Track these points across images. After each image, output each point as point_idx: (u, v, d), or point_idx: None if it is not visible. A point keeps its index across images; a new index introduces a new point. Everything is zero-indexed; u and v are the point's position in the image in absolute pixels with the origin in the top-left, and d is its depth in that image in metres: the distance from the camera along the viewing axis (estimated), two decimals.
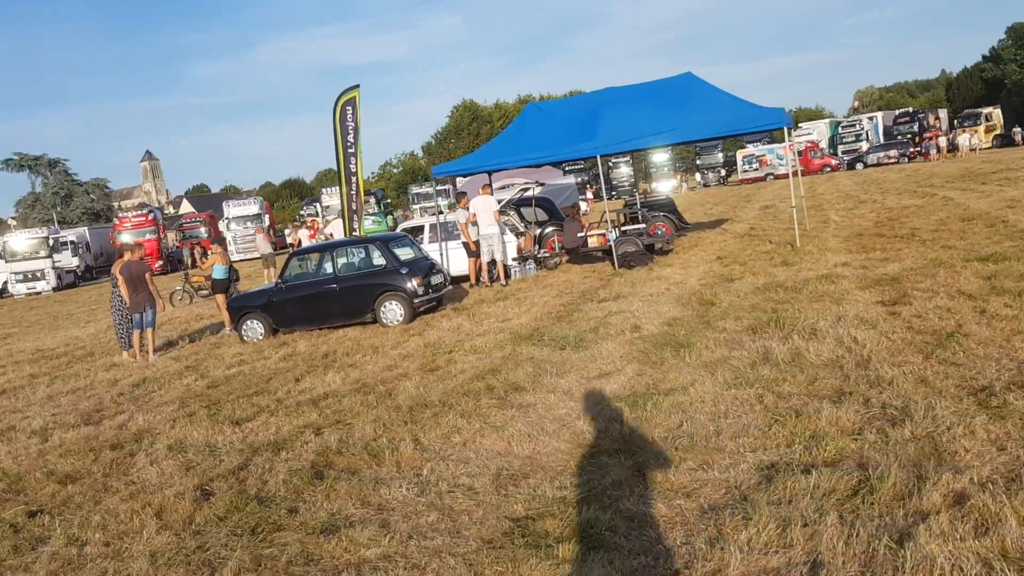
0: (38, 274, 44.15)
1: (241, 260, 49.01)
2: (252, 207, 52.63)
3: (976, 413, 5.24)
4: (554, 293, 14.74)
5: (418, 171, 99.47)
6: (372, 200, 59.38)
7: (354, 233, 18.52)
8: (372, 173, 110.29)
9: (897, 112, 73.89)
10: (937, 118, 71.09)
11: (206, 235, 56.92)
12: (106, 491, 6.57)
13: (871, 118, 71.38)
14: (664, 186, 65.24)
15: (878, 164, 60.20)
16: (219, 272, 16.90)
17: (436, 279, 14.36)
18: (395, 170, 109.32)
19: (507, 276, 17.32)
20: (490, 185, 17.66)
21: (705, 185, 70.98)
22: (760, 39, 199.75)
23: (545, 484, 5.30)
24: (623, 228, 18.18)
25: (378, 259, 14.01)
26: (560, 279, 16.86)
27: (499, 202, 18.09)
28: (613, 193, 61.97)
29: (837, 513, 4.12)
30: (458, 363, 9.66)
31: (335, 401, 8.66)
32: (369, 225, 42.13)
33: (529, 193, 20.93)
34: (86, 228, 58.15)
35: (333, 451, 6.74)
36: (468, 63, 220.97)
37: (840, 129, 70.79)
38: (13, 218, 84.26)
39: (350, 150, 18.43)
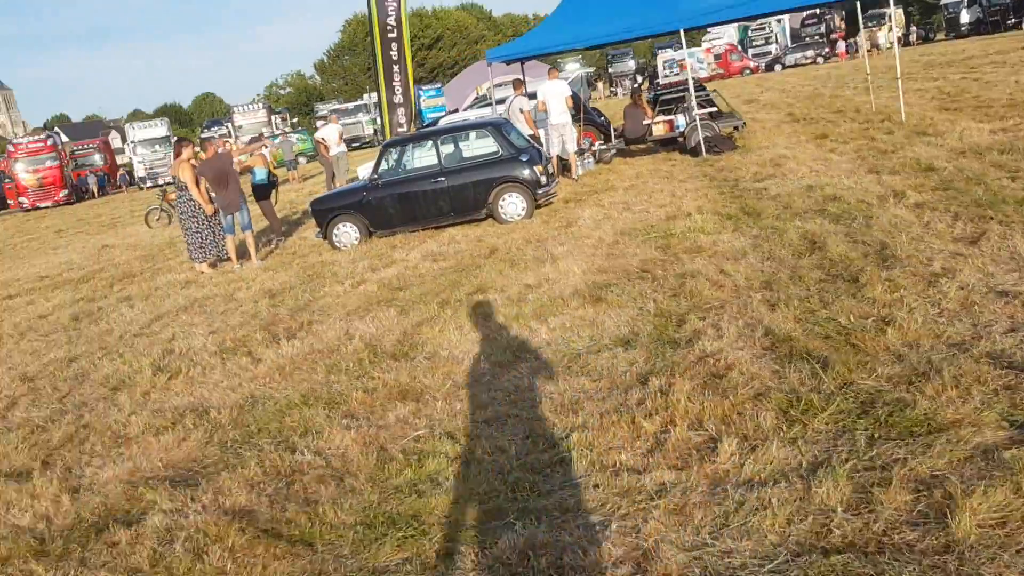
0: None
1: (151, 186, 45.02)
2: (160, 129, 48.23)
3: None
4: (673, 180, 13.21)
5: (312, 91, 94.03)
6: (278, 119, 55.84)
7: (401, 131, 16.33)
8: (258, 95, 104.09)
9: (804, 14, 74.43)
10: (842, 19, 72.12)
11: (101, 163, 52.12)
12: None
13: (779, 21, 71.65)
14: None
15: (795, 65, 60.75)
16: (259, 176, 14.62)
17: (550, 168, 12.63)
18: (282, 91, 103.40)
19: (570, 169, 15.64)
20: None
21: (614, 95, 69.66)
22: None
23: None
24: (694, 114, 16.71)
25: (491, 147, 12.12)
26: (639, 169, 15.32)
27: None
28: None
29: None
30: (725, 243, 8.01)
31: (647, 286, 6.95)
32: (295, 143, 39.28)
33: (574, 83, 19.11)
34: None
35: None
36: None
37: (749, 33, 70.92)
38: None
39: (391, 34, 16.07)
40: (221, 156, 12.27)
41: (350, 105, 56.12)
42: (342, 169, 21.12)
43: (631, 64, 72.08)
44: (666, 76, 64.12)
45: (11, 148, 45.10)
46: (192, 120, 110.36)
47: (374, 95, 62.02)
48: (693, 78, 16.82)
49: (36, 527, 4.40)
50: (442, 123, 18.85)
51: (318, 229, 12.70)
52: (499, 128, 12.20)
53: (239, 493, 4.35)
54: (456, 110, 23.28)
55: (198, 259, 12.02)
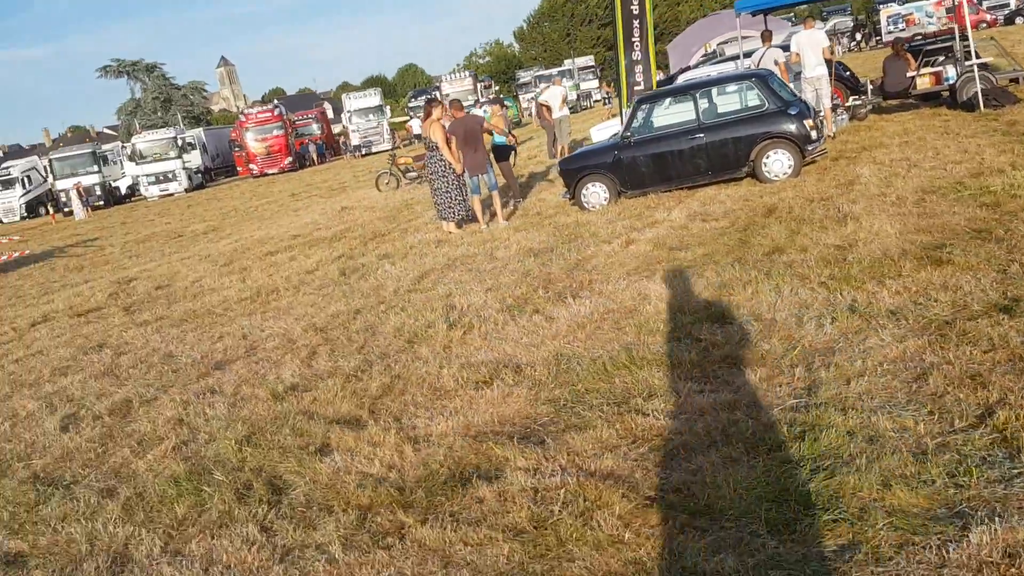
0: (170, 175, 42.64)
1: (365, 154, 46.95)
2: (374, 99, 50.20)
3: None
4: (954, 135, 11.86)
5: (511, 59, 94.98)
6: (481, 87, 56.44)
7: (638, 89, 15.75)
8: (458, 64, 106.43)
9: None
10: None
11: (319, 132, 54.92)
12: None
13: None
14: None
15: None
16: (499, 137, 14.51)
17: (818, 122, 11.66)
18: (481, 60, 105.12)
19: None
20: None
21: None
22: None
23: None
24: (968, 64, 15.03)
25: (755, 100, 11.32)
26: (904, 125, 13.94)
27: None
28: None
29: None
30: None
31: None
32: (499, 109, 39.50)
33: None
34: (201, 129, 56.36)
35: None
36: None
37: None
38: (111, 127, 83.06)
39: None
40: (471, 117, 12.20)
41: (554, 71, 55.99)
42: (564, 132, 20.84)
43: (848, 21, 67.62)
44: (890, 32, 59.61)
45: (242, 118, 48.35)
46: (396, 91, 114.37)
47: (578, 60, 61.78)
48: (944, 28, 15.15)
49: (388, 476, 4.28)
50: (679, 80, 18.03)
51: (564, 190, 12.42)
52: (764, 80, 11.36)
53: (599, 456, 4.02)
54: (688, 67, 22.36)
55: (448, 218, 12.04)
